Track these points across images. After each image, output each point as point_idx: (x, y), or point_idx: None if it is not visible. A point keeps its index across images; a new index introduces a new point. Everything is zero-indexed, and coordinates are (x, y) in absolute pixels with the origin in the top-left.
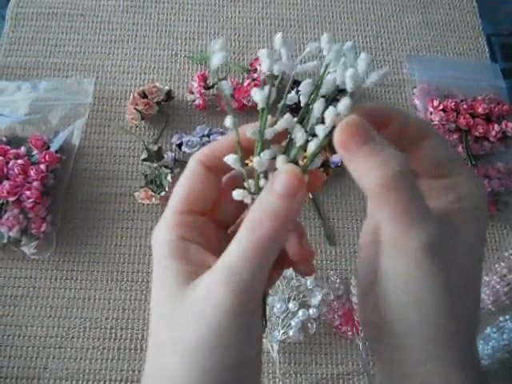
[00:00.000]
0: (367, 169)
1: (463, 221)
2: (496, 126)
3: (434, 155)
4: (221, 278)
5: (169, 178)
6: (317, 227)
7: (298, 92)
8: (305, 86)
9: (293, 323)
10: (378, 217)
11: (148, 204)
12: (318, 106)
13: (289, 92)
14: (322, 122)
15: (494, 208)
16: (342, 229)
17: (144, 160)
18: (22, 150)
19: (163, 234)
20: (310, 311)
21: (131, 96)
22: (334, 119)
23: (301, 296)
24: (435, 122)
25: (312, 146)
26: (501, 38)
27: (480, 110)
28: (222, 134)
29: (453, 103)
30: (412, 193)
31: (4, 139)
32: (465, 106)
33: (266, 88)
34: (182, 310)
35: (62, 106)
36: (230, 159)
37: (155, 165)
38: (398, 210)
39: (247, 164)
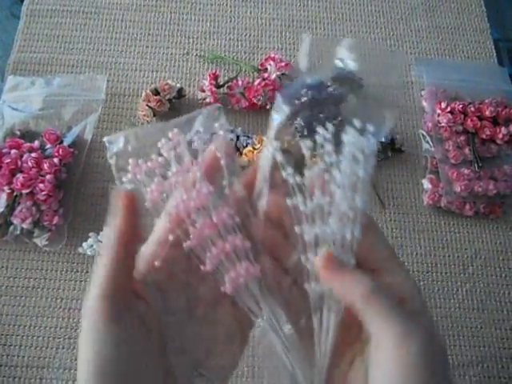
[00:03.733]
0: (350, 286)
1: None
2: (503, 128)
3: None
4: None
5: None
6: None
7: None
8: None
9: None
10: (368, 326)
11: None
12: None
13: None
14: None
15: (499, 210)
16: None
17: None
18: (36, 143)
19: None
20: None
21: (143, 93)
22: None
23: None
24: (443, 124)
25: None
26: (508, 44)
27: (487, 112)
28: (231, 131)
29: (460, 105)
30: (388, 297)
31: (18, 133)
32: (472, 109)
33: None
34: None
35: (75, 102)
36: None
37: None
38: (383, 310)
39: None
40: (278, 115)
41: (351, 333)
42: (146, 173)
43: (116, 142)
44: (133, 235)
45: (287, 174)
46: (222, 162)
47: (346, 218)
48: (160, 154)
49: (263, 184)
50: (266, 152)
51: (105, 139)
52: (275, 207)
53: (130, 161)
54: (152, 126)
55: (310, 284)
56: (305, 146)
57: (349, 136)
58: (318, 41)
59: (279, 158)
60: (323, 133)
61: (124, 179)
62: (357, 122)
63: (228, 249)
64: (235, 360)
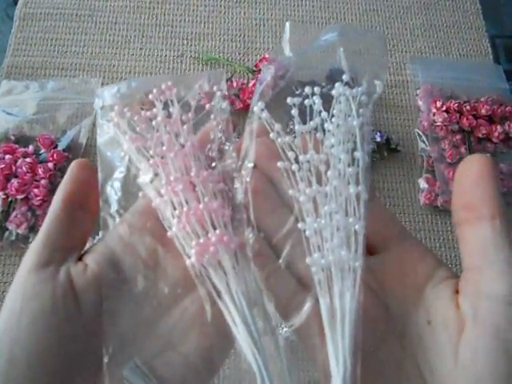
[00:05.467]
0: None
1: None
2: (499, 127)
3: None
4: None
5: None
6: None
7: (301, 94)
8: None
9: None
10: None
11: None
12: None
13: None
14: None
15: None
16: None
17: None
18: (30, 148)
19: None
20: None
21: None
22: None
23: None
24: (438, 123)
25: None
26: (505, 40)
27: (483, 111)
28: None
29: (456, 104)
30: None
31: (12, 138)
32: (468, 107)
33: None
34: None
35: (69, 106)
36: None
37: None
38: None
39: None
40: (265, 76)
41: (377, 312)
42: (129, 122)
43: (108, 92)
44: (78, 198)
45: (275, 132)
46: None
47: (348, 175)
48: (148, 109)
49: (249, 145)
50: (252, 114)
51: (98, 91)
52: (264, 149)
53: (116, 107)
54: (148, 79)
55: (313, 256)
56: (291, 102)
57: (338, 89)
58: (299, 27)
59: (264, 115)
60: (310, 90)
61: (106, 124)
62: (345, 76)
63: (201, 211)
64: (199, 368)
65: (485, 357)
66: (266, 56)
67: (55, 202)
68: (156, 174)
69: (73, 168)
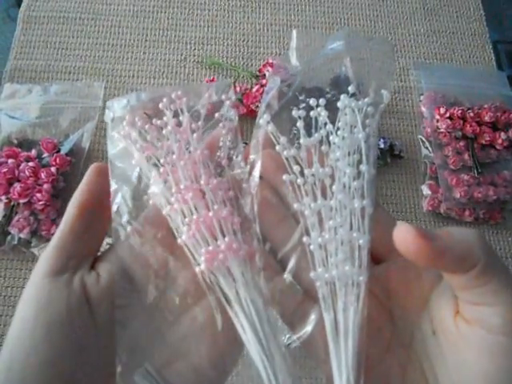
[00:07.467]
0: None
1: None
2: (502, 134)
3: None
4: None
5: None
6: None
7: (304, 100)
8: None
9: None
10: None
11: None
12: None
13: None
14: None
15: (499, 216)
16: None
17: None
18: (33, 152)
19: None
20: None
21: None
22: None
23: None
24: (442, 130)
25: None
26: (507, 45)
27: (486, 118)
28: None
29: (459, 111)
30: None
31: (15, 142)
32: (471, 114)
33: None
34: None
35: (72, 109)
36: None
37: None
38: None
39: None
40: (271, 86)
41: (382, 330)
42: (141, 132)
43: (118, 104)
44: (93, 205)
45: (281, 144)
46: (224, 141)
47: (352, 188)
48: (159, 118)
49: (256, 157)
50: (258, 126)
51: (108, 103)
52: (270, 161)
53: (127, 117)
54: (157, 89)
55: (317, 270)
56: (297, 115)
57: (343, 101)
58: (306, 34)
59: (270, 127)
60: (315, 101)
61: (116, 136)
62: (351, 87)
63: (210, 219)
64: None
65: (482, 377)
66: (270, 61)
67: (70, 207)
68: (166, 183)
69: (90, 173)
